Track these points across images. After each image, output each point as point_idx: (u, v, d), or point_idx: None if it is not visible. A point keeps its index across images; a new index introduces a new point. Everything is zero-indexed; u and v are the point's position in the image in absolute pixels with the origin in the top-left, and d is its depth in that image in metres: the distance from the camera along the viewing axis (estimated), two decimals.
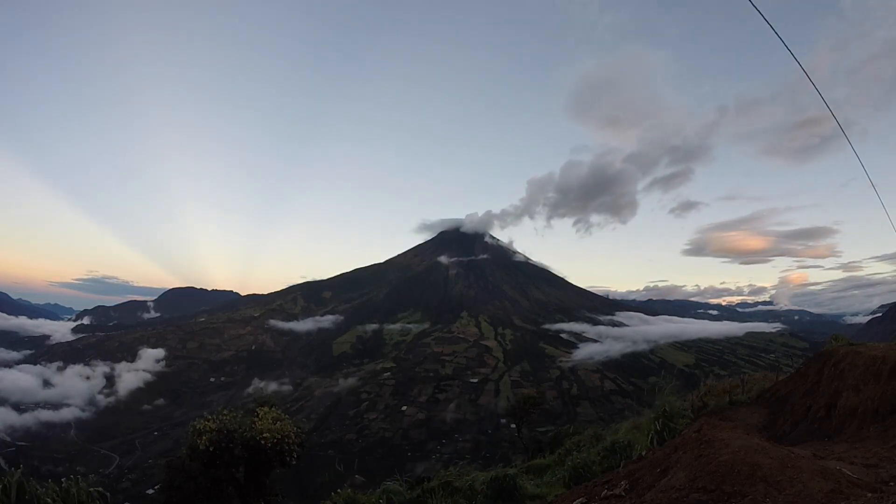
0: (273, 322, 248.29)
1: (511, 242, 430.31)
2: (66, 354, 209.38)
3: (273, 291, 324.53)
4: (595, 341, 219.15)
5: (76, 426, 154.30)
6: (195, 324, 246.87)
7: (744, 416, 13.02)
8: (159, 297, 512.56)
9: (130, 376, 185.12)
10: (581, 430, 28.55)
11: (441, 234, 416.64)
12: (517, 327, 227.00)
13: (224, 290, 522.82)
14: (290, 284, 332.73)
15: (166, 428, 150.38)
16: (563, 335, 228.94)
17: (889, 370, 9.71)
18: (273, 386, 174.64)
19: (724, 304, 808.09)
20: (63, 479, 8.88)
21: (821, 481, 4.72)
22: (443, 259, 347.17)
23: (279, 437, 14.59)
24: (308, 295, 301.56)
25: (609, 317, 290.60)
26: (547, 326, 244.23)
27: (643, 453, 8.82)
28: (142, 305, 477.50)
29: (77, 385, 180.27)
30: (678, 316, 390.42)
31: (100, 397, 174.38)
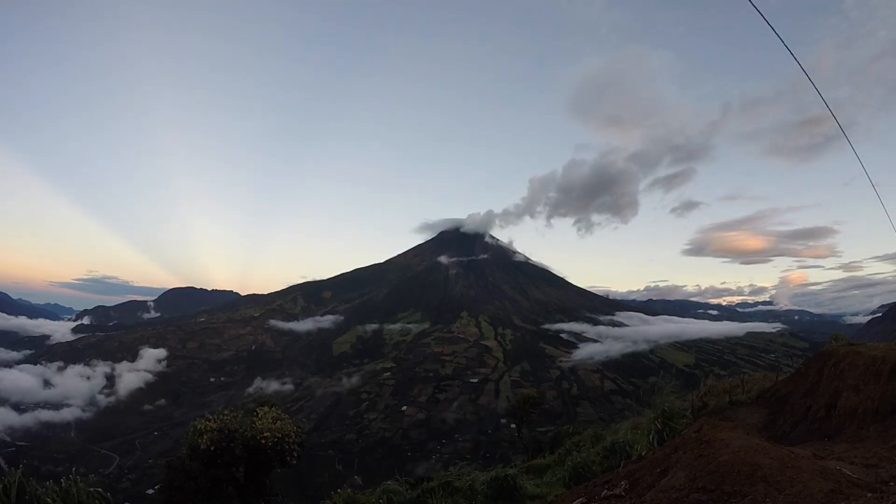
0: (273, 322, 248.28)
1: (511, 242, 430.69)
2: (66, 354, 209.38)
3: (273, 291, 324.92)
4: (595, 341, 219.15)
5: (76, 426, 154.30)
6: (195, 324, 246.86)
7: (744, 416, 13.02)
8: (159, 297, 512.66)
9: (130, 376, 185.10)
10: (581, 430, 28.56)
11: (441, 234, 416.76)
12: (517, 327, 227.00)
13: (224, 290, 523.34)
14: (290, 284, 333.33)
15: (166, 428, 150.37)
16: (563, 335, 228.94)
17: (889, 370, 9.70)
18: (274, 385, 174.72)
19: (724, 304, 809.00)
20: (63, 479, 8.87)
21: (821, 481, 4.71)
22: (443, 259, 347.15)
23: (279, 436, 14.60)
24: (308, 295, 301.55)
25: (609, 317, 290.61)
26: (547, 326, 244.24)
27: (643, 453, 8.82)
28: (142, 305, 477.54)
29: (77, 385, 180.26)
30: (678, 316, 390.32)
31: (100, 397, 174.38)
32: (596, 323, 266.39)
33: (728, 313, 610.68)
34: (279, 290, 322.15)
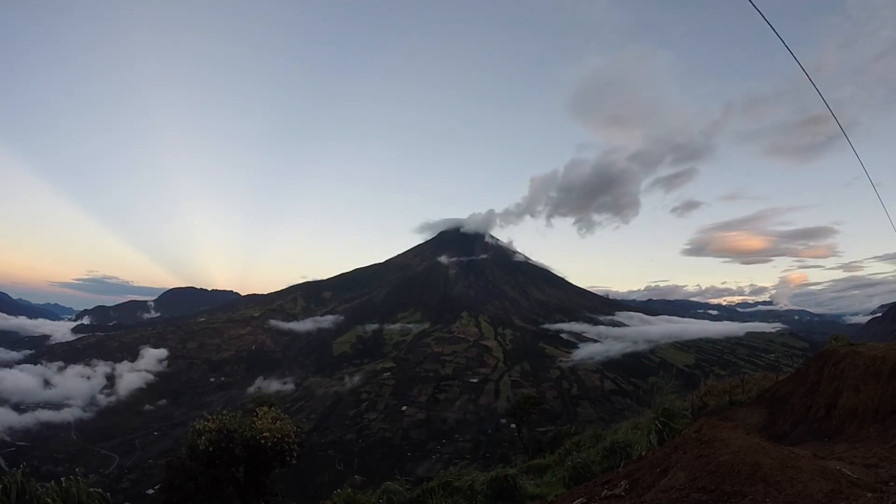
0: (273, 322, 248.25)
1: (511, 242, 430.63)
2: (66, 354, 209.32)
3: (273, 291, 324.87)
4: (595, 341, 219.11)
5: (76, 426, 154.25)
6: (195, 324, 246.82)
7: (744, 416, 13.02)
8: (159, 297, 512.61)
9: (130, 376, 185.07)
10: (581, 430, 28.58)
11: (441, 234, 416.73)
12: (517, 327, 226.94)
13: (224, 290, 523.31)
14: (290, 284, 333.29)
15: (166, 428, 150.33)
16: (563, 335, 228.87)
17: (889, 370, 9.70)
18: (274, 385, 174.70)
19: (724, 304, 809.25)
20: (63, 479, 8.87)
21: (821, 481, 4.71)
22: (443, 259, 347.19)
23: (279, 436, 14.58)
24: (308, 295, 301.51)
25: (609, 317, 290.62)
26: (547, 326, 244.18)
27: (643, 453, 8.82)
28: (142, 305, 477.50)
29: (77, 385, 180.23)
30: (678, 316, 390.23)
31: (100, 397, 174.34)
32: (596, 323, 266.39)
33: (728, 313, 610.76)
34: (279, 290, 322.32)
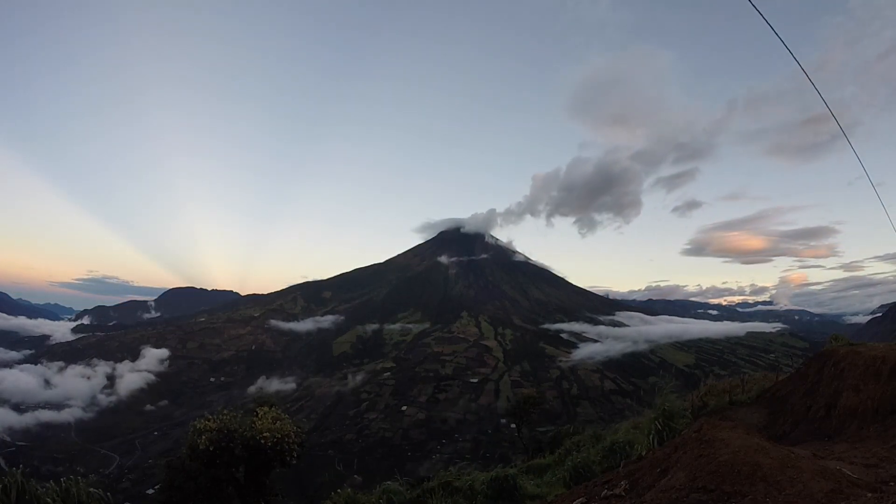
0: (273, 322, 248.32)
1: (511, 242, 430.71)
2: (67, 354, 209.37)
3: (273, 291, 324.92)
4: (595, 341, 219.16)
5: (76, 426, 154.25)
6: (195, 324, 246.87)
7: (744, 416, 13.02)
8: (159, 297, 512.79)
9: (130, 376, 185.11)
10: (581, 430, 28.60)
11: (441, 234, 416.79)
12: (517, 327, 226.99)
13: (224, 290, 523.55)
14: (290, 284, 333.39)
15: (166, 428, 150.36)
16: (563, 335, 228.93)
17: (889, 370, 9.71)
18: (274, 385, 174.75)
19: (724, 304, 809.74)
20: (63, 479, 8.87)
21: (821, 481, 4.72)
22: (443, 259, 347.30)
23: (279, 436, 14.57)
24: (308, 295, 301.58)
25: (609, 317, 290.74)
26: (547, 326, 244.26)
27: (643, 453, 8.82)
28: (142, 305, 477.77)
29: (77, 385, 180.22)
30: (678, 316, 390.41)
31: (100, 397, 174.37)
32: (596, 323, 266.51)
33: (728, 313, 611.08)
34: (279, 290, 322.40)
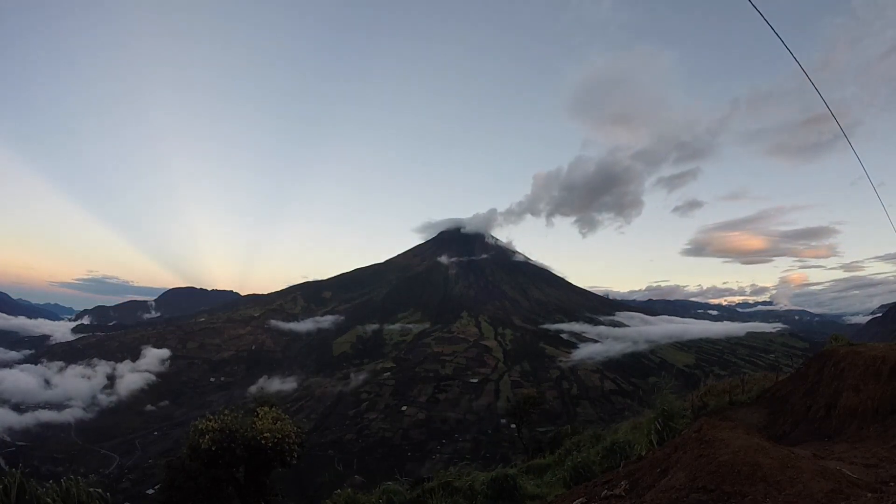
0: (273, 322, 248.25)
1: (511, 242, 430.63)
2: (67, 354, 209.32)
3: (273, 291, 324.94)
4: (595, 341, 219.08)
5: (76, 426, 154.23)
6: (195, 324, 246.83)
7: (744, 416, 13.02)
8: (159, 297, 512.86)
9: (131, 377, 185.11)
10: (581, 430, 28.59)
11: (441, 234, 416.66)
12: (517, 327, 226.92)
13: (224, 290, 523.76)
14: (290, 284, 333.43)
15: (166, 428, 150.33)
16: (563, 335, 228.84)
17: (889, 370, 9.71)
18: (274, 385, 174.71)
19: (724, 304, 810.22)
20: (63, 479, 8.86)
21: (821, 481, 4.72)
22: (443, 259, 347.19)
23: (279, 437, 14.57)
24: (308, 295, 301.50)
25: (609, 317, 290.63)
26: (547, 326, 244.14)
27: (643, 453, 8.82)
28: (142, 305, 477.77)
29: (78, 385, 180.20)
30: (678, 316, 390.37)
31: (100, 397, 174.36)
32: (596, 323, 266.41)
33: (728, 313, 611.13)
34: (279, 290, 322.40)
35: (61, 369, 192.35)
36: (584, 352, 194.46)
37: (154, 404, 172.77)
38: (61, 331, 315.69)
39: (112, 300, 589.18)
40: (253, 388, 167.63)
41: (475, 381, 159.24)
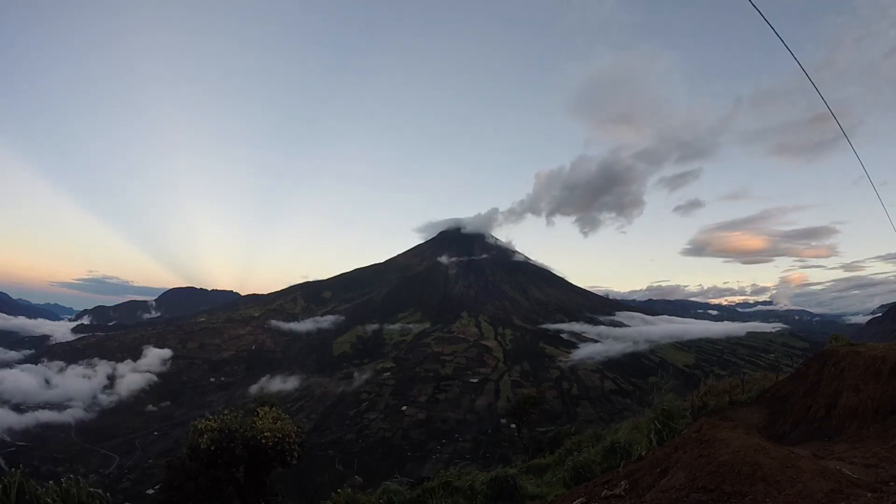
0: (273, 322, 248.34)
1: (511, 242, 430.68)
2: (67, 354, 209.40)
3: (273, 291, 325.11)
4: (595, 341, 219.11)
5: (77, 426, 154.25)
6: (195, 324, 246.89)
7: (744, 416, 13.01)
8: (159, 297, 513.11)
9: (131, 377, 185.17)
10: (581, 430, 28.53)
11: (441, 233, 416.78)
12: (517, 327, 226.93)
13: (224, 290, 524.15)
14: (290, 284, 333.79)
15: (166, 428, 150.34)
16: (563, 335, 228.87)
17: (889, 370, 9.70)
18: (274, 385, 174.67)
19: (724, 304, 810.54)
20: (63, 479, 8.86)
21: (821, 481, 4.72)
22: (443, 259, 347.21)
23: (279, 436, 14.55)
24: (308, 295, 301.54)
25: (609, 317, 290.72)
26: (547, 326, 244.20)
27: (643, 453, 8.81)
28: (142, 305, 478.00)
29: (78, 385, 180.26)
30: (679, 316, 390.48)
31: (100, 397, 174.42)
32: (596, 323, 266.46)
33: (728, 313, 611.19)
34: (279, 290, 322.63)
35: (61, 369, 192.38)
36: (584, 352, 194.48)
37: (154, 404, 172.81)
38: (61, 331, 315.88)
39: (112, 300, 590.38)
40: (253, 388, 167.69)
41: (475, 381, 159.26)
